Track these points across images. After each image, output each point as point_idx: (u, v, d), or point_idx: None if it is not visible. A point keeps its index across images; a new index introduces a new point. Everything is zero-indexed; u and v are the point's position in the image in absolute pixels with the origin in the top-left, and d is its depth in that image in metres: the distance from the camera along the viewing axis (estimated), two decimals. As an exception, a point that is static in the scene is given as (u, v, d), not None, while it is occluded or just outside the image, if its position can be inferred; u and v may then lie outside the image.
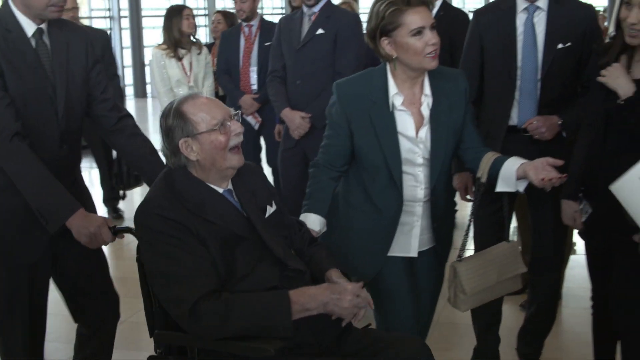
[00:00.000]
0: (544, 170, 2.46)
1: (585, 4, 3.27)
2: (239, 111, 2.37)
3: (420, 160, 2.64)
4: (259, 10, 5.50)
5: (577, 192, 2.94)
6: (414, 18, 2.47)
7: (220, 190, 2.31)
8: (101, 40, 5.49)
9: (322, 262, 2.44)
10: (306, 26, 4.32)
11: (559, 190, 2.80)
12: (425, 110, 2.62)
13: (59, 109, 2.60)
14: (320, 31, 4.28)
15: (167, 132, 2.26)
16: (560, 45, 3.06)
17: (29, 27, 2.54)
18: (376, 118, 2.59)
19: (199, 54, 5.43)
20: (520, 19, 3.12)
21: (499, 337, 3.42)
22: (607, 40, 3.03)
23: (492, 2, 3.36)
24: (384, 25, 2.51)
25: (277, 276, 2.27)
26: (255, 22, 5.34)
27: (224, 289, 2.17)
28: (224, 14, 6.36)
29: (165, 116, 2.28)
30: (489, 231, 3.12)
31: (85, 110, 2.75)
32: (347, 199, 2.75)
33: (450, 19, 4.60)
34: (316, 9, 4.31)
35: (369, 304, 2.26)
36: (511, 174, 2.57)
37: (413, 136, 2.62)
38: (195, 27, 5.45)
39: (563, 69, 3.08)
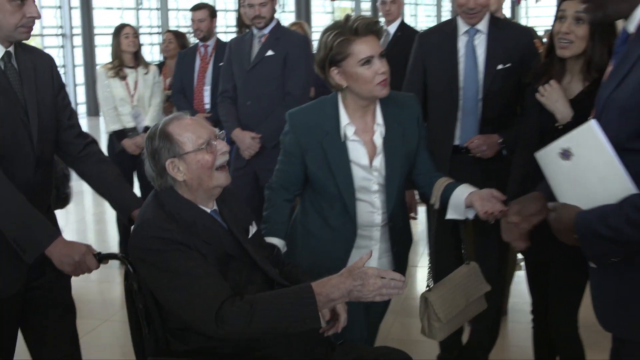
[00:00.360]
0: (489, 202, 2.51)
1: (523, 28, 3.44)
2: (223, 131, 2.36)
3: (375, 187, 2.66)
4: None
5: None
6: (362, 48, 2.48)
7: (208, 211, 2.31)
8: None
9: (302, 279, 2.44)
10: (256, 47, 4.38)
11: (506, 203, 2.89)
12: (378, 139, 2.64)
13: (33, 134, 2.52)
14: (270, 52, 4.34)
15: (153, 154, 2.25)
16: (500, 66, 3.17)
17: None
18: (329, 148, 2.60)
19: (145, 73, 5.41)
20: (462, 42, 3.25)
21: (462, 342, 3.52)
22: None
23: (435, 25, 3.53)
24: (332, 55, 2.51)
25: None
26: (211, 43, 5.38)
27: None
28: (175, 33, 6.31)
29: (150, 138, 2.27)
30: (445, 253, 3.16)
31: (56, 135, 2.68)
32: (304, 224, 2.77)
33: (407, 39, 4.72)
34: (266, 30, 4.37)
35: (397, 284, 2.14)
36: (460, 202, 2.60)
37: (367, 165, 2.63)
38: (138, 45, 5.42)
39: (503, 89, 3.19)
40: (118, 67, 5.36)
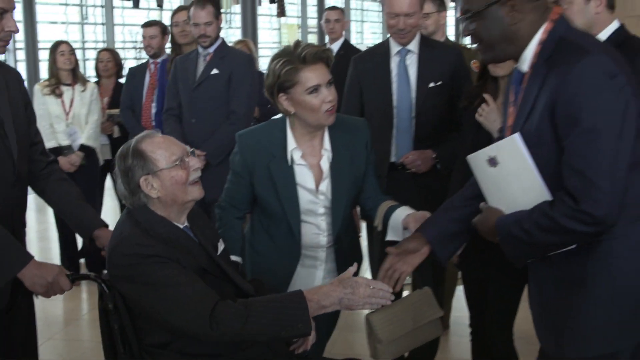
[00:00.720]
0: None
1: (452, 47, 3.60)
2: (194, 148, 2.40)
3: (321, 210, 2.70)
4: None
5: None
6: (310, 76, 2.50)
7: (181, 227, 2.33)
8: None
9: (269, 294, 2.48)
10: (201, 66, 4.43)
11: None
12: (325, 164, 2.67)
13: (13, 148, 2.49)
14: (215, 71, 4.39)
15: (126, 172, 2.26)
16: (431, 84, 3.29)
17: None
18: (275, 171, 2.64)
19: (83, 90, 5.37)
20: (394, 62, 3.37)
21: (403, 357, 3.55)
22: None
23: (369, 48, 3.65)
24: (280, 82, 2.53)
25: None
26: (161, 60, 5.38)
27: None
28: (111, 52, 6.22)
29: (123, 156, 2.27)
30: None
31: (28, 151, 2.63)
32: (251, 242, 2.81)
33: (350, 57, 4.80)
34: (211, 49, 4.43)
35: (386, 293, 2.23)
36: (398, 224, 2.66)
37: (313, 189, 2.67)
38: (74, 62, 5.37)
39: (435, 106, 3.31)
40: (54, 84, 5.32)
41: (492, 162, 2.07)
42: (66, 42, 5.44)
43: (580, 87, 1.85)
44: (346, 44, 5.61)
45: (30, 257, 2.38)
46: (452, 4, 24.93)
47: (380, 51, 3.42)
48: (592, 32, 2.48)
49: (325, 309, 2.15)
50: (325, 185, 2.69)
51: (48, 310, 4.70)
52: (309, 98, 2.51)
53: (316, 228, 2.72)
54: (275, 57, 2.57)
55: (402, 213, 2.66)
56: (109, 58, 5.98)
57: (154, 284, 2.14)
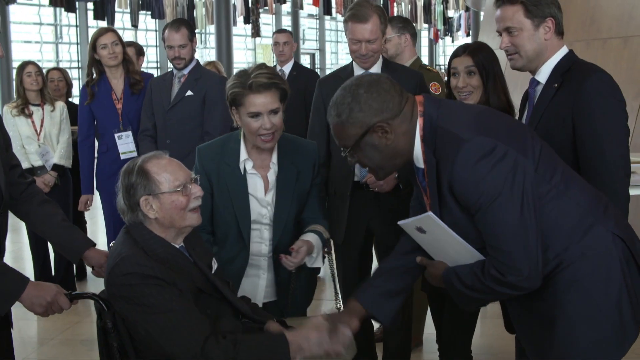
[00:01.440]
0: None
1: (414, 71, 3.66)
2: (198, 175, 2.42)
3: (266, 221, 2.82)
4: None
5: None
6: (253, 102, 2.62)
7: (177, 247, 2.34)
8: None
9: (258, 314, 2.52)
10: (176, 87, 4.47)
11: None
12: (272, 176, 2.81)
13: (1, 176, 2.47)
14: (189, 93, 4.43)
15: (129, 189, 2.27)
16: None
17: None
18: (229, 180, 2.77)
19: (52, 110, 5.35)
20: None
21: None
22: None
23: (333, 71, 3.74)
24: (232, 99, 2.68)
25: (240, 328, 2.34)
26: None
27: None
28: (61, 71, 6.16)
29: (128, 173, 2.29)
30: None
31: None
32: None
33: (304, 78, 4.90)
34: (185, 71, 4.47)
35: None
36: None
37: (262, 198, 2.80)
38: (42, 83, 5.32)
39: None
40: (22, 105, 5.29)
41: (421, 230, 2.17)
42: (33, 63, 5.40)
43: (466, 178, 1.96)
44: (297, 66, 5.70)
45: (27, 280, 2.35)
46: (425, 26, 25.09)
47: (344, 74, 3.47)
48: (542, 58, 2.59)
49: (303, 351, 2.20)
50: (271, 196, 2.81)
51: (23, 331, 4.69)
52: (249, 121, 2.65)
53: (259, 237, 2.83)
54: (234, 76, 2.72)
55: (304, 237, 2.79)
56: (60, 77, 5.95)
57: (149, 307, 2.14)
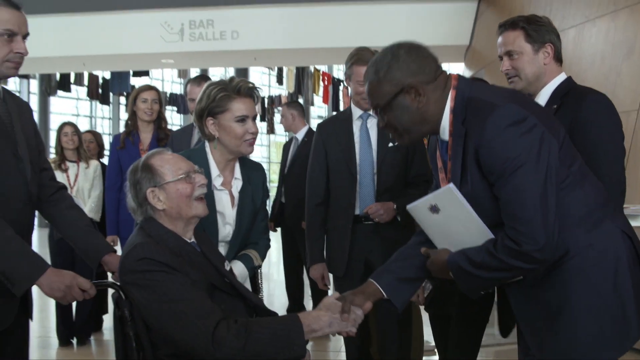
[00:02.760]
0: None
1: None
2: (202, 168, 2.36)
3: (229, 238, 2.68)
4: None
5: None
6: (240, 107, 2.55)
7: (189, 241, 2.27)
8: None
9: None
10: (195, 137, 4.37)
11: None
12: (236, 192, 2.68)
13: (27, 170, 2.43)
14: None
15: (135, 185, 2.24)
16: (390, 144, 3.41)
17: None
18: None
19: (86, 167, 5.51)
20: (356, 125, 3.48)
21: None
22: None
23: (331, 116, 3.79)
24: (212, 107, 2.56)
25: None
26: None
27: None
28: (93, 133, 6.29)
29: (133, 171, 2.27)
30: None
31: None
32: None
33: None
34: None
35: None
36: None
37: (230, 213, 2.66)
38: (77, 142, 5.48)
39: (393, 163, 3.42)
40: (59, 161, 5.45)
41: (434, 209, 2.07)
42: (70, 124, 5.59)
43: (494, 142, 1.89)
44: (310, 132, 5.86)
45: (48, 265, 2.30)
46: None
47: (343, 117, 3.54)
48: (541, 81, 2.61)
49: (315, 332, 2.11)
50: (234, 213, 2.68)
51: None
52: (235, 125, 2.56)
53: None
54: (211, 84, 2.61)
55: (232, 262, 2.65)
56: (91, 139, 6.07)
57: (161, 294, 2.06)
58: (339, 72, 21.52)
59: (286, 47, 10.36)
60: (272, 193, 7.02)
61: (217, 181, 2.64)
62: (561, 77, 2.64)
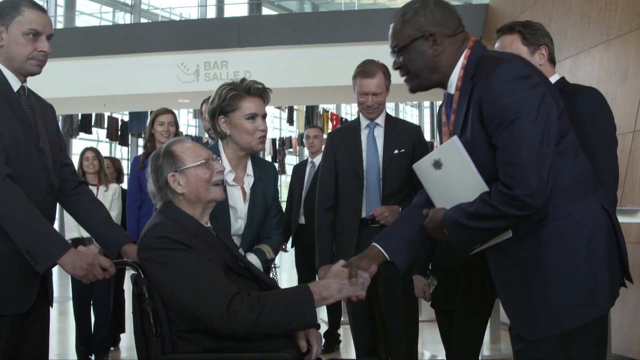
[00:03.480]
0: None
1: (413, 124, 3.83)
2: (219, 157, 2.39)
3: (241, 232, 2.74)
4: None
5: (426, 269, 3.25)
6: (250, 105, 2.63)
7: (205, 226, 2.30)
8: None
9: None
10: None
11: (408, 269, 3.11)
12: (247, 188, 2.75)
13: (48, 161, 2.47)
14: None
15: (157, 170, 2.29)
16: (396, 151, 3.51)
17: (15, 83, 2.46)
18: None
19: (106, 190, 5.57)
20: (364, 134, 3.58)
21: None
22: None
23: (342, 125, 3.92)
24: (224, 105, 2.65)
25: None
26: None
27: None
28: (112, 159, 6.37)
29: (155, 157, 2.32)
30: None
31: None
32: None
33: None
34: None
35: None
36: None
37: (242, 208, 2.73)
38: (98, 166, 5.56)
39: (399, 169, 3.49)
40: None
41: (437, 164, 2.10)
42: (91, 149, 5.67)
43: (498, 90, 1.92)
44: None
45: (69, 246, 2.34)
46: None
47: (352, 126, 3.65)
48: None
49: (326, 300, 2.12)
50: (246, 208, 2.74)
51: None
52: (246, 123, 2.63)
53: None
54: (222, 85, 2.70)
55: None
56: (108, 164, 6.12)
57: (179, 270, 2.08)
58: (346, 113, 21.70)
59: (296, 86, 10.52)
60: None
61: (229, 177, 2.69)
62: (555, 77, 2.70)
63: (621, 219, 2.15)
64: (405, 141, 3.55)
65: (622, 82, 5.49)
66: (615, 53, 5.67)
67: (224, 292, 2.05)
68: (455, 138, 2.04)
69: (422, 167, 2.17)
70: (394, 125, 3.61)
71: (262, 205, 2.77)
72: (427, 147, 3.66)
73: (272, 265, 2.91)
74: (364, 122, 3.60)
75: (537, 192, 1.87)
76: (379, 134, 3.57)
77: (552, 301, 1.96)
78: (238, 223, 2.72)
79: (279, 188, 2.97)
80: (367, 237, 3.37)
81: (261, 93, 2.68)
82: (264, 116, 2.70)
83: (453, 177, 2.07)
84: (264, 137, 2.70)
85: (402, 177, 3.49)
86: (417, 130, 3.69)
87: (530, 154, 1.87)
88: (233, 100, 2.64)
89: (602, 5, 5.95)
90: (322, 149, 5.96)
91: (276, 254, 2.84)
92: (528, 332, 2.01)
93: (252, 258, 2.68)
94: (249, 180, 2.76)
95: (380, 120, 3.59)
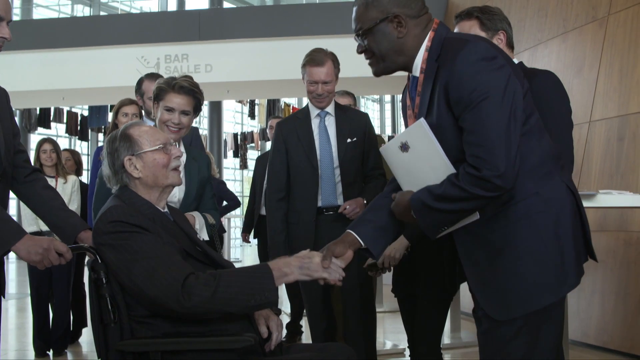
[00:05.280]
0: None
1: (361, 112, 3.83)
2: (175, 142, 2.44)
3: (175, 200, 2.85)
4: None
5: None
6: (171, 99, 2.82)
7: (162, 210, 2.27)
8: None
9: None
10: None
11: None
12: (182, 160, 2.69)
13: (1, 147, 2.41)
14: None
15: (112, 153, 2.24)
16: (348, 140, 3.49)
17: None
18: None
19: (64, 183, 5.44)
20: (315, 123, 3.54)
21: None
22: None
23: (291, 114, 3.84)
24: (155, 94, 2.87)
25: None
26: None
27: None
28: (71, 151, 6.25)
29: (112, 140, 2.27)
30: None
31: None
32: None
33: None
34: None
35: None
36: None
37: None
38: (56, 159, 5.42)
39: (353, 158, 3.49)
40: None
41: (404, 147, 2.08)
42: (49, 141, 5.51)
43: (464, 72, 1.90)
44: None
45: (25, 232, 2.28)
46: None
47: (302, 115, 3.60)
48: None
49: (287, 276, 2.07)
50: (183, 180, 2.78)
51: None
52: (163, 112, 2.84)
53: None
54: (161, 79, 2.92)
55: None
56: (68, 157, 6.00)
57: (133, 253, 2.03)
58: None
59: (257, 79, 10.44)
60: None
61: None
62: (514, 62, 2.67)
63: (579, 203, 2.14)
64: (357, 129, 3.54)
65: (578, 74, 5.55)
66: (572, 45, 5.73)
67: (179, 272, 2.00)
68: (422, 120, 2.01)
69: (389, 150, 2.14)
70: (344, 114, 3.60)
71: (196, 178, 2.94)
72: (375, 133, 3.68)
73: (214, 232, 2.97)
74: (314, 111, 3.56)
75: (506, 173, 1.86)
76: (330, 122, 3.54)
77: (522, 280, 1.95)
78: (173, 192, 2.77)
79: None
80: (324, 226, 3.43)
81: (187, 91, 2.84)
82: (185, 112, 2.85)
83: (420, 159, 2.04)
84: (179, 130, 2.85)
85: (356, 165, 3.50)
86: (366, 118, 3.67)
87: (497, 135, 1.86)
88: (161, 92, 2.86)
89: (559, -2, 6.01)
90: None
91: (216, 227, 2.96)
92: (498, 312, 1.99)
93: (198, 216, 2.85)
94: (182, 157, 2.78)
95: (330, 109, 3.56)
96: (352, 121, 3.55)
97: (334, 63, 3.48)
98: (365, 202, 3.37)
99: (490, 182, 1.86)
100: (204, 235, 2.84)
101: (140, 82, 4.21)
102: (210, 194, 3.04)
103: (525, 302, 1.95)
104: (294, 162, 3.53)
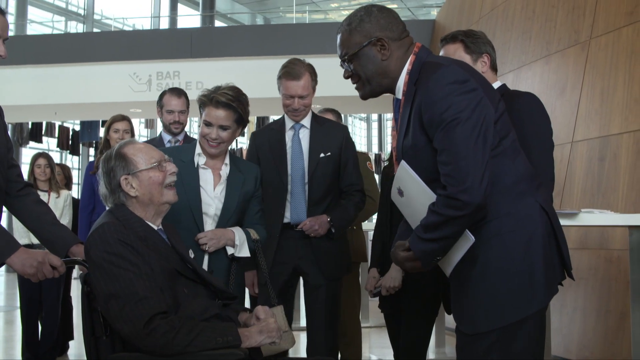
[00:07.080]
0: None
1: (340, 124, 3.60)
2: (171, 158, 2.37)
3: (212, 213, 2.77)
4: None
5: (379, 263, 3.21)
6: (209, 113, 2.74)
7: (156, 228, 2.25)
8: None
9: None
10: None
11: (332, 275, 3.16)
12: (224, 172, 2.82)
13: None
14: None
15: (109, 172, 2.23)
16: (322, 155, 3.28)
17: None
18: (183, 173, 2.69)
19: (57, 197, 5.40)
20: (289, 136, 3.32)
21: None
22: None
23: (267, 124, 3.65)
24: (200, 104, 2.78)
25: (217, 306, 2.21)
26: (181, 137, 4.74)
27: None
28: (62, 166, 6.15)
29: (107, 159, 2.25)
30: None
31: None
32: None
33: None
34: (180, 137, 4.25)
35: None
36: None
37: (211, 190, 2.78)
38: (50, 174, 5.38)
39: (325, 174, 3.29)
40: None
41: (400, 192, 2.12)
42: (43, 156, 5.46)
43: (436, 94, 1.94)
44: None
45: (19, 245, 2.28)
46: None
47: (276, 127, 3.40)
48: None
49: (248, 339, 2.08)
50: (220, 191, 2.80)
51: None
52: (202, 125, 2.79)
53: (197, 229, 2.75)
54: (206, 89, 2.83)
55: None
56: (59, 172, 5.91)
57: (112, 275, 2.01)
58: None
59: (247, 97, 10.43)
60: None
61: (200, 159, 2.82)
62: (497, 84, 2.74)
63: (561, 221, 2.16)
64: (332, 143, 3.33)
65: (560, 95, 5.61)
66: (555, 67, 5.79)
67: (148, 309, 1.98)
68: (402, 163, 2.06)
69: (394, 196, 2.18)
70: (320, 127, 3.38)
71: (239, 191, 2.83)
72: (354, 148, 3.48)
73: (258, 247, 2.86)
74: (289, 122, 3.35)
75: (471, 188, 1.88)
76: (304, 135, 3.34)
77: (491, 296, 1.98)
78: (210, 204, 2.78)
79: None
80: (288, 241, 3.26)
81: (225, 105, 2.73)
82: (224, 127, 2.76)
83: (413, 199, 2.08)
84: (216, 144, 2.77)
85: (328, 182, 3.31)
86: (344, 131, 3.45)
87: (465, 154, 1.90)
88: (202, 104, 2.79)
89: (543, 22, 6.08)
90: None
91: (262, 240, 2.88)
92: (468, 327, 2.02)
93: (238, 231, 2.77)
94: (225, 169, 2.84)
95: (306, 121, 3.35)
96: (327, 135, 3.36)
97: (312, 75, 3.29)
98: (328, 219, 3.22)
99: (456, 199, 1.89)
100: (244, 252, 2.78)
101: (162, 95, 4.18)
102: (256, 208, 2.92)
103: (491, 318, 1.97)
104: (265, 176, 3.21)
